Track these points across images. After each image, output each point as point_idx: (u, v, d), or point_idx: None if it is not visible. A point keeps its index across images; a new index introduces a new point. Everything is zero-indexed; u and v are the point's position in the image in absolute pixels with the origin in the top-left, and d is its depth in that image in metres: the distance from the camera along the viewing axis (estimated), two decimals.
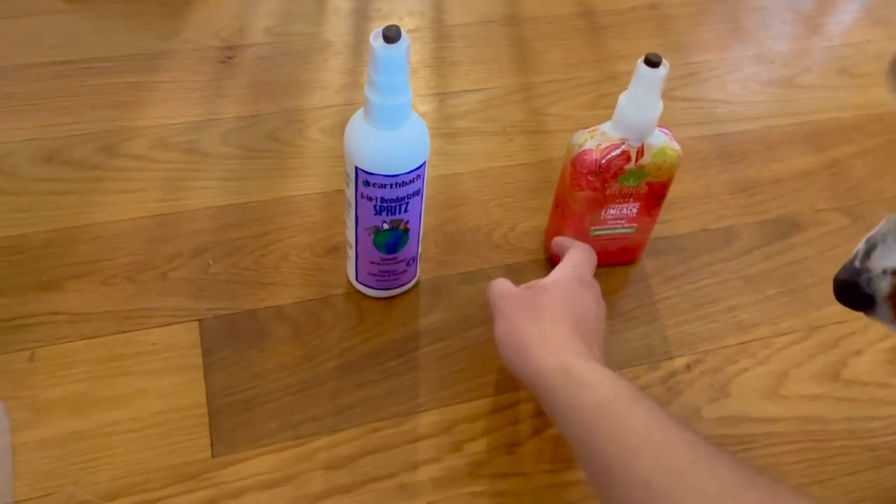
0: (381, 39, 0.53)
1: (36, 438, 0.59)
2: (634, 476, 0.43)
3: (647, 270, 0.75)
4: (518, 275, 0.73)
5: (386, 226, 0.62)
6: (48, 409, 0.60)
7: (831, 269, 0.77)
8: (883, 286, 0.45)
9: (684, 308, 0.72)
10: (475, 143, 0.85)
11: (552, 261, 0.74)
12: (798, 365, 0.69)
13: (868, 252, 0.46)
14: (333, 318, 0.69)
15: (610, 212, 0.68)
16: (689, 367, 0.68)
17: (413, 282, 0.71)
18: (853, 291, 0.47)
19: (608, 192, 0.66)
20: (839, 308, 0.73)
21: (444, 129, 0.86)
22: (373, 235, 0.63)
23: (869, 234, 0.47)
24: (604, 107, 0.91)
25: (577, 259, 0.62)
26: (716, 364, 0.69)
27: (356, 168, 0.59)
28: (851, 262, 0.47)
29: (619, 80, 0.95)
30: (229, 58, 0.92)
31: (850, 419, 0.66)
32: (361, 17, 1.00)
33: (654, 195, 0.68)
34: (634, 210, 0.69)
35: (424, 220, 0.66)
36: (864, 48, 1.04)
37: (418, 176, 0.60)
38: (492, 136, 0.87)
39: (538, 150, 0.85)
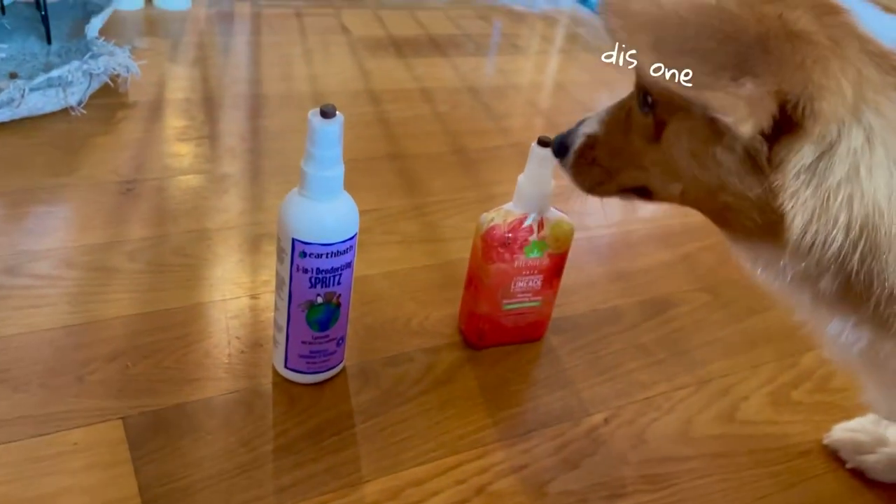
0: (318, 115, 0.59)
1: None
2: None
3: (554, 344, 0.82)
4: (438, 356, 0.77)
5: (320, 299, 0.65)
6: None
7: (707, 335, 0.88)
8: (577, 142, 0.61)
9: (592, 373, 0.79)
10: (380, 252, 0.91)
11: (468, 341, 0.79)
12: (698, 412, 0.76)
13: (580, 123, 0.63)
14: (264, 406, 0.68)
15: (518, 284, 0.75)
16: (606, 421, 0.73)
17: (340, 366, 0.72)
18: (561, 143, 0.63)
19: (516, 263, 0.73)
20: (722, 364, 0.84)
21: None
22: (306, 311, 0.66)
23: (585, 116, 0.63)
24: None
25: None
26: (629, 417, 0.74)
27: (293, 240, 0.63)
28: (571, 128, 0.64)
29: (499, 200, 1.05)
30: (129, 189, 0.95)
31: (752, 452, 0.73)
32: (256, 154, 1.07)
33: (554, 267, 0.76)
34: (539, 282, 0.76)
35: None
36: None
37: (351, 247, 0.65)
38: (393, 245, 0.93)
39: (438, 255, 0.92)
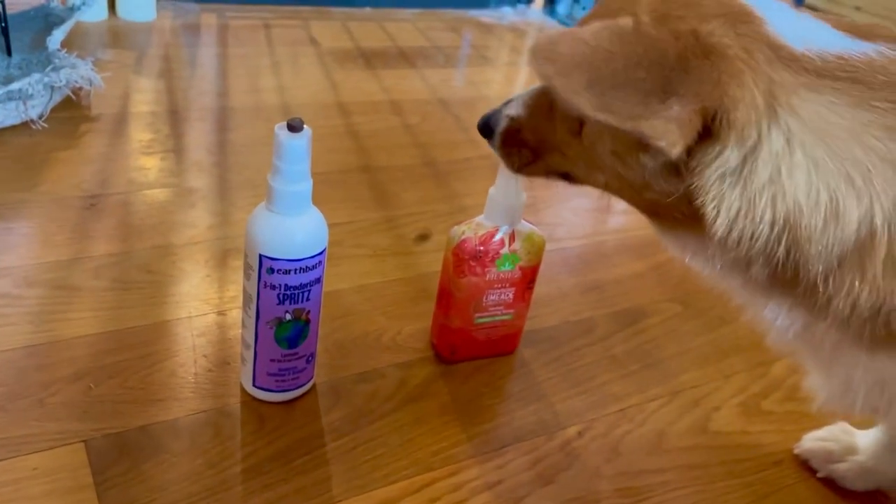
0: (285, 129, 0.58)
1: None
2: None
3: (526, 358, 0.81)
4: (411, 371, 0.76)
5: (289, 316, 0.64)
6: None
7: (679, 346, 0.88)
8: (501, 123, 0.63)
9: (565, 386, 0.78)
10: (350, 266, 0.90)
11: (440, 356, 0.78)
12: (671, 423, 0.76)
13: (505, 104, 0.63)
14: (232, 426, 0.67)
15: (490, 297, 0.75)
16: (580, 434, 0.73)
17: (310, 383, 0.71)
18: (485, 124, 0.64)
19: (488, 276, 0.73)
20: (694, 374, 0.84)
21: None
22: (275, 328, 0.65)
23: (512, 95, 0.64)
24: None
25: None
26: (603, 429, 0.74)
27: (260, 256, 0.61)
28: (495, 109, 0.64)
29: (469, 212, 1.05)
30: (93, 204, 0.92)
31: (725, 462, 0.73)
32: (223, 168, 1.06)
33: (525, 280, 0.75)
34: (510, 295, 0.76)
35: None
36: None
37: (320, 262, 0.64)
38: (364, 259, 0.92)
39: (410, 268, 0.92)
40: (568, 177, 0.61)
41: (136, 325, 0.75)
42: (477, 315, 0.75)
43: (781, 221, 0.46)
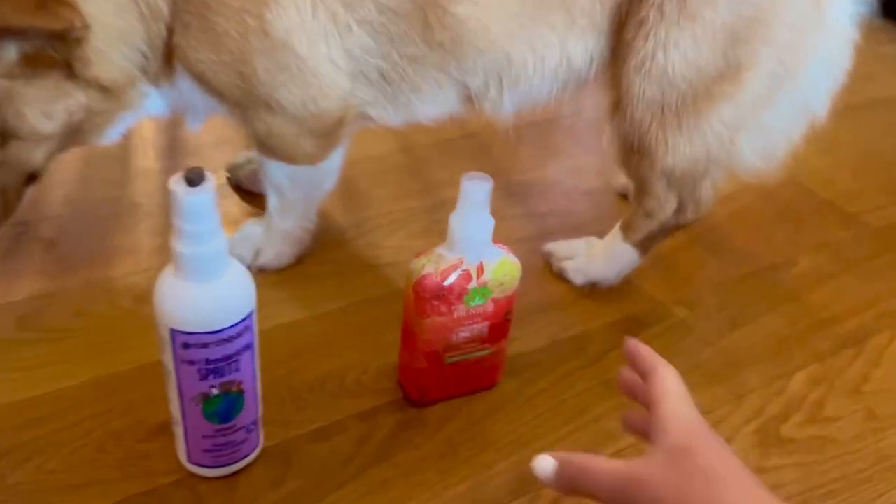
0: (183, 183, 0.47)
1: None
2: None
3: (509, 392, 0.71)
4: (376, 421, 0.67)
5: (215, 391, 0.55)
6: None
7: (685, 362, 0.77)
8: None
9: (555, 424, 0.69)
10: (311, 288, 0.80)
11: (409, 398, 0.69)
12: None
13: None
14: None
15: (461, 335, 0.65)
16: None
17: (257, 451, 0.62)
18: None
19: (456, 314, 0.63)
20: (702, 396, 0.73)
21: (273, 277, 0.81)
22: (202, 405, 0.55)
23: None
24: (438, 233, 0.89)
25: (676, 388, 0.53)
26: None
27: (171, 330, 0.51)
28: None
29: (449, 207, 0.93)
30: (21, 233, 0.83)
31: None
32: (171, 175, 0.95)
33: (501, 312, 0.65)
34: (486, 330, 0.65)
35: (262, 377, 0.58)
36: None
37: (247, 328, 0.54)
38: (327, 278, 0.82)
39: (379, 286, 0.82)
40: (34, 176, 0.69)
41: (63, 386, 0.67)
42: (448, 355, 0.66)
43: None
